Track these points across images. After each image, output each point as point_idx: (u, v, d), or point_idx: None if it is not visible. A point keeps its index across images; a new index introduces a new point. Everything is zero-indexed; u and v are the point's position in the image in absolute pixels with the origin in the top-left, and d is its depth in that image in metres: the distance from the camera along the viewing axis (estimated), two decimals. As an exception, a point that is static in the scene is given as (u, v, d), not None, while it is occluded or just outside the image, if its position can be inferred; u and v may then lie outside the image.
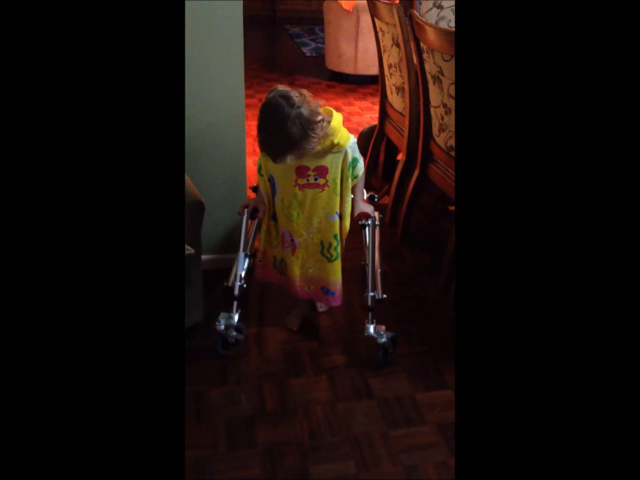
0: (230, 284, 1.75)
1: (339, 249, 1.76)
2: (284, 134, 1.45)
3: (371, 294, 1.73)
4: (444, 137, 2.10)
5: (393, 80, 2.60)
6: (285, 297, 1.97)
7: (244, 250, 1.76)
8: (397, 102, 2.60)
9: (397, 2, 2.40)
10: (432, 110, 2.16)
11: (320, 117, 1.51)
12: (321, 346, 1.88)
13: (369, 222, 1.74)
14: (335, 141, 1.58)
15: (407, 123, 2.43)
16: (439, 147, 2.15)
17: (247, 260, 1.77)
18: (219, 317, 1.74)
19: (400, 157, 2.58)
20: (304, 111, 1.47)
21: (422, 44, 2.06)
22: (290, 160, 1.53)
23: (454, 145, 2.02)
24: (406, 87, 2.37)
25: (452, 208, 2.17)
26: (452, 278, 2.11)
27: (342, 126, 1.60)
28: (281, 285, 1.89)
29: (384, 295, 1.74)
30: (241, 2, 1.82)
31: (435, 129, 2.17)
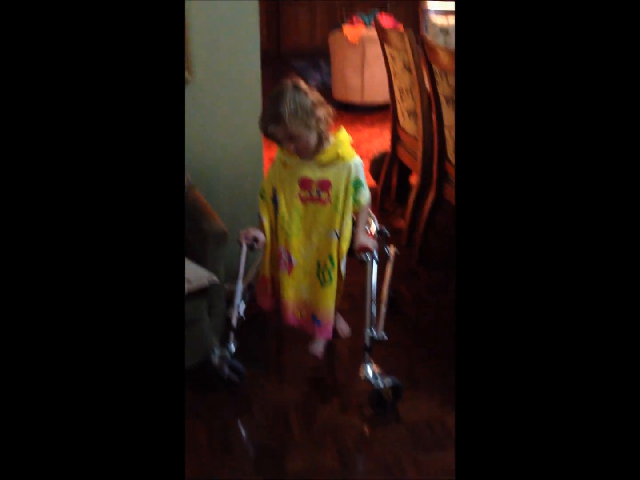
0: (229, 314, 1.70)
1: (333, 274, 1.67)
2: (277, 105, 1.49)
3: (368, 332, 1.60)
4: (459, 157, 2.11)
5: (405, 105, 2.63)
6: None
7: (243, 280, 1.71)
8: (410, 126, 2.62)
9: (402, 29, 2.44)
10: (446, 131, 2.18)
11: (321, 114, 1.53)
12: (345, 371, 1.85)
13: (368, 257, 1.64)
14: (340, 152, 1.59)
15: (420, 145, 2.44)
16: (454, 166, 2.16)
17: (248, 292, 1.74)
18: (214, 347, 1.67)
19: (414, 179, 2.59)
20: (306, 98, 1.51)
21: (434, 67, 2.08)
22: (272, 129, 1.52)
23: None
24: (418, 110, 2.38)
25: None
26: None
27: (349, 143, 1.62)
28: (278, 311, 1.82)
29: (384, 336, 1.60)
30: (258, 36, 1.87)
31: (449, 149, 2.18)
